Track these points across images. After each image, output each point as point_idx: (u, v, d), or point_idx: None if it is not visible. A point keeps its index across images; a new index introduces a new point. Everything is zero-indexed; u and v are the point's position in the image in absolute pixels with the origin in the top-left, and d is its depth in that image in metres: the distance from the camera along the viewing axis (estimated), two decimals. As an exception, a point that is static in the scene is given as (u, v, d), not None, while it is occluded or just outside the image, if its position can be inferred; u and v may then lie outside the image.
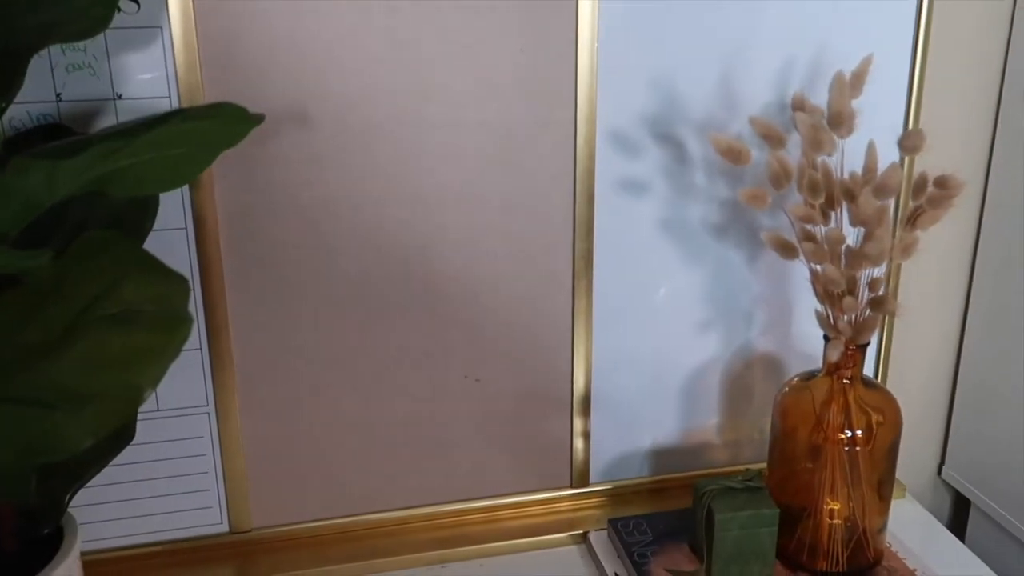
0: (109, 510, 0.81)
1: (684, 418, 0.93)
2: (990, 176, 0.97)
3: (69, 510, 0.67)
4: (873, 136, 0.74)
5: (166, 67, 0.72)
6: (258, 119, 0.63)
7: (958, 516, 1.09)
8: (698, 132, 0.84)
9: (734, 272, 0.89)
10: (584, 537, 0.88)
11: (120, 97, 0.71)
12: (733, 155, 0.75)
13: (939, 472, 1.08)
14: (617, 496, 0.92)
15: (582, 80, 0.80)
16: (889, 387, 0.84)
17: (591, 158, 0.82)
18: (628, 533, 0.85)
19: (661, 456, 0.93)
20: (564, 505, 0.92)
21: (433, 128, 0.78)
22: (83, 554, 0.70)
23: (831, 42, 0.84)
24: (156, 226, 0.71)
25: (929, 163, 0.74)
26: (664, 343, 0.90)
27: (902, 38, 0.86)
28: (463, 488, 0.89)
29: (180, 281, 0.58)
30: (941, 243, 0.99)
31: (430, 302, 0.83)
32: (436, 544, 0.86)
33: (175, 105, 0.73)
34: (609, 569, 0.83)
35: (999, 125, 0.95)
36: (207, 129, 0.61)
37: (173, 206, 0.75)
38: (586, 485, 0.92)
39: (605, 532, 0.87)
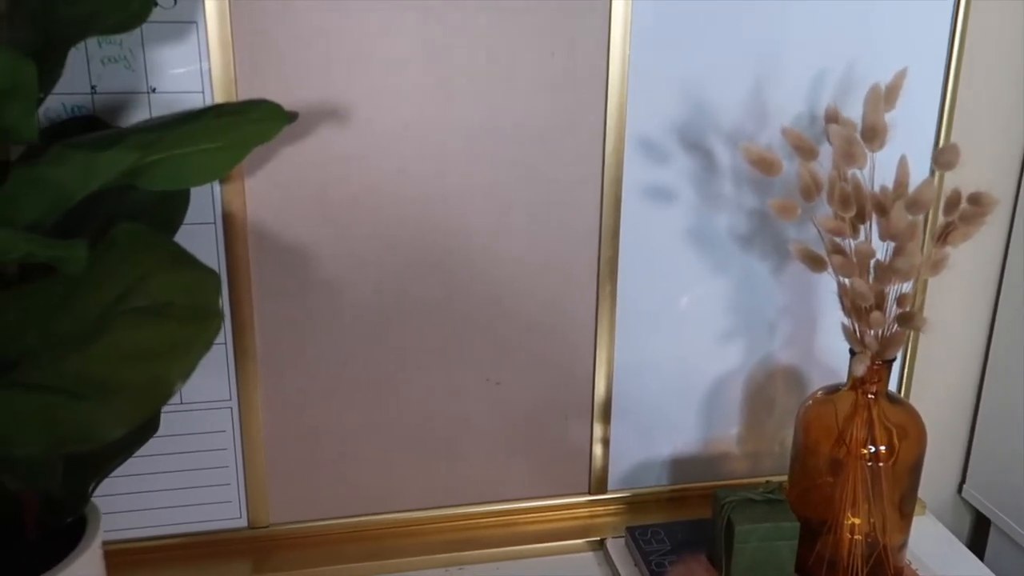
0: (129, 501, 0.82)
1: (704, 427, 0.92)
2: (1020, 193, 0.96)
3: (92, 500, 0.68)
4: (903, 150, 0.74)
5: (200, 62, 0.72)
6: (292, 117, 0.64)
7: (978, 535, 1.08)
8: (727, 141, 0.83)
9: (759, 283, 0.88)
10: (601, 544, 0.87)
11: (154, 91, 0.72)
12: (764, 165, 0.75)
13: (959, 491, 1.07)
14: (635, 504, 0.92)
15: (612, 85, 0.80)
16: (912, 403, 0.84)
17: (619, 164, 0.82)
18: (646, 542, 0.85)
19: (680, 465, 0.93)
20: (581, 511, 0.91)
21: (460, 129, 0.78)
22: (103, 544, 0.70)
23: (862, 55, 0.83)
24: (186, 220, 0.71)
25: (958, 179, 0.73)
26: (686, 352, 0.89)
27: (936, 53, 0.85)
28: (480, 491, 0.89)
29: (211, 275, 0.58)
30: (969, 260, 0.98)
31: (452, 303, 0.83)
32: (451, 546, 0.86)
33: (208, 100, 0.73)
34: (625, 577, 0.82)
35: (1031, 142, 0.94)
36: (241, 125, 0.61)
37: (203, 201, 0.75)
38: (604, 492, 0.92)
39: (623, 540, 0.87)
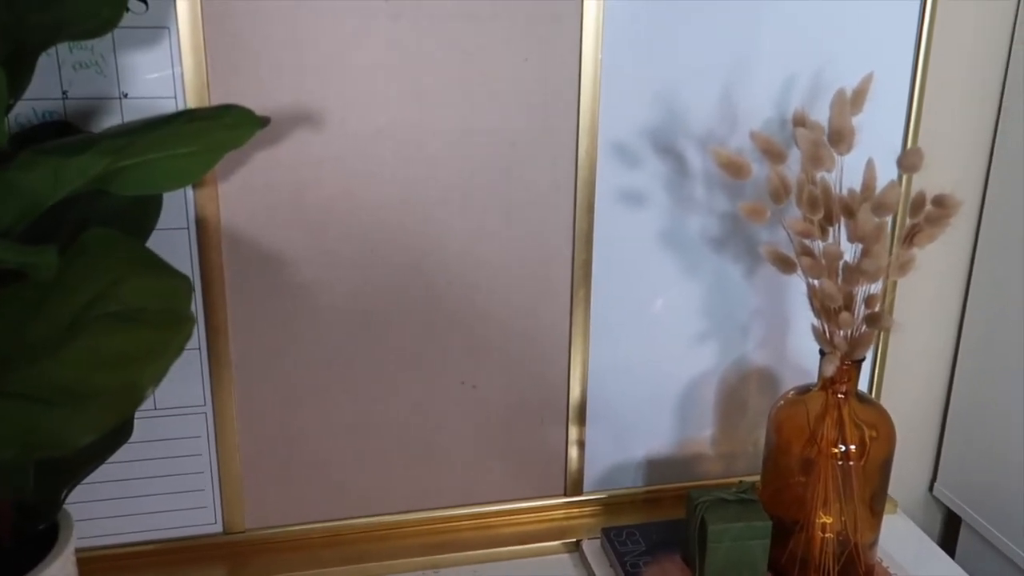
0: (103, 507, 0.81)
1: (679, 429, 0.93)
2: (987, 195, 0.97)
3: (65, 507, 0.67)
4: (871, 153, 0.75)
5: (172, 67, 0.72)
6: (264, 122, 0.64)
7: (949, 533, 1.09)
8: (699, 145, 0.84)
9: (731, 285, 0.89)
10: (577, 546, 0.88)
11: (126, 96, 0.72)
12: (734, 169, 0.76)
13: (931, 489, 1.08)
14: (611, 505, 0.93)
15: (585, 91, 0.81)
16: (883, 403, 0.85)
17: (592, 168, 0.83)
18: (621, 543, 0.85)
19: (655, 466, 0.94)
20: (557, 513, 0.92)
21: (434, 134, 0.79)
22: (77, 551, 0.70)
23: (832, 60, 0.85)
24: (158, 225, 0.71)
25: (926, 181, 0.74)
26: (660, 354, 0.90)
27: (902, 57, 0.87)
28: (457, 494, 0.89)
29: (182, 280, 0.58)
30: (937, 260, 1.00)
31: (428, 307, 0.83)
32: (429, 549, 0.86)
33: (181, 105, 0.73)
34: (601, 578, 0.83)
35: (996, 145, 0.96)
36: (213, 130, 0.61)
37: (176, 206, 0.75)
38: (580, 494, 0.92)
39: (598, 541, 0.87)
